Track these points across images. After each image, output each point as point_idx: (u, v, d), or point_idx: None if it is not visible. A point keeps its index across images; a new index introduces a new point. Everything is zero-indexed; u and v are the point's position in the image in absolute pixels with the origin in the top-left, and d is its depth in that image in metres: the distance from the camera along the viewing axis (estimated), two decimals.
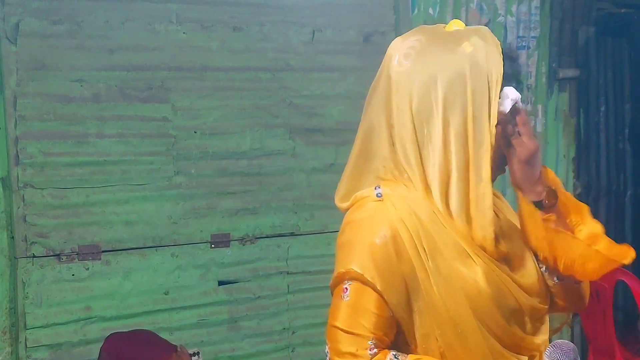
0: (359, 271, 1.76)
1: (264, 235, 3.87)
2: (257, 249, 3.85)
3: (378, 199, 1.82)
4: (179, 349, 3.23)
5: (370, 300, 1.76)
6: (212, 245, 3.76)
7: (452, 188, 1.78)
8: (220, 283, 3.78)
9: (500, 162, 1.84)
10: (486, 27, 1.85)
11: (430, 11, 4.08)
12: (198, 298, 3.73)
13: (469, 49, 1.77)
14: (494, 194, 1.92)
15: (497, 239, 1.83)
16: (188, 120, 3.66)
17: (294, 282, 3.92)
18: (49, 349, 3.41)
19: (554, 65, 4.55)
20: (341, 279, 1.80)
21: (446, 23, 1.89)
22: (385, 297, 1.75)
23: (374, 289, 1.75)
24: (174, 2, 3.60)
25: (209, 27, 3.68)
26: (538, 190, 1.83)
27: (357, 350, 1.75)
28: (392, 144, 1.82)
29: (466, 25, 1.88)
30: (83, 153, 3.45)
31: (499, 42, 1.81)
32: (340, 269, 1.80)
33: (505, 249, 1.85)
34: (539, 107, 4.52)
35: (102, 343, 3.28)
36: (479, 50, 1.77)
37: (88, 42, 3.44)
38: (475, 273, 1.77)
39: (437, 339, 1.78)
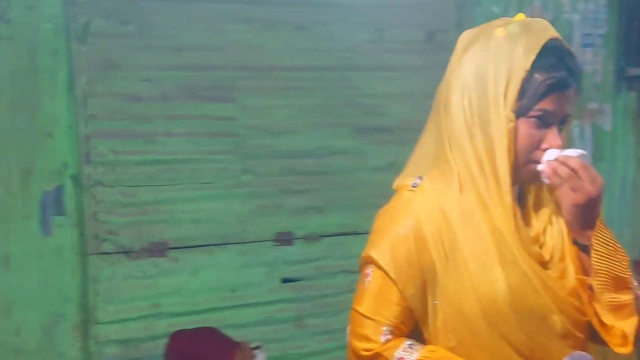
0: (375, 257, 1.80)
1: (329, 234, 3.88)
2: (321, 247, 3.87)
3: (412, 189, 1.84)
4: (241, 345, 3.28)
5: (389, 289, 1.79)
6: (278, 243, 3.78)
7: (478, 177, 1.77)
8: (285, 281, 3.80)
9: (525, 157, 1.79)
10: (544, 20, 1.82)
11: (494, 8, 4.04)
12: (264, 295, 3.75)
13: (501, 33, 1.76)
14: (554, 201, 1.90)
15: (538, 241, 1.81)
16: (255, 119, 3.68)
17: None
18: (118, 344, 3.46)
19: (622, 63, 4.47)
20: (365, 262, 1.85)
21: None
22: (399, 287, 1.78)
23: (388, 276, 1.78)
24: (240, 2, 3.63)
25: (274, 26, 3.70)
26: (587, 234, 1.78)
27: (371, 334, 1.80)
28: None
29: None
30: (152, 152, 3.50)
31: (553, 36, 1.77)
32: (364, 252, 1.85)
33: (547, 256, 1.81)
34: (607, 105, 4.45)
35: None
36: (510, 36, 1.75)
37: (156, 41, 3.49)
38: (496, 275, 1.74)
39: (447, 333, 1.79)
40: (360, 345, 1.81)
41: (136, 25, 3.46)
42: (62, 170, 3.37)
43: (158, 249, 3.51)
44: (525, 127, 1.75)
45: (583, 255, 1.81)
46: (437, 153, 1.84)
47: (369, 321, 1.80)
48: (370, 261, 1.82)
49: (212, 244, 3.62)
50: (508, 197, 1.75)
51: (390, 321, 1.79)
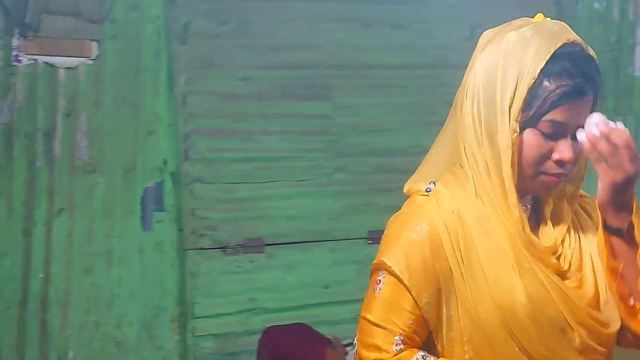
0: (388, 263, 1.70)
1: None
2: None
3: (426, 194, 1.77)
4: (333, 341, 3.31)
5: (402, 296, 1.69)
6: (369, 242, 3.80)
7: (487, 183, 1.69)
8: None
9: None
10: (562, 23, 1.71)
11: (596, 5, 3.94)
12: (355, 293, 3.75)
13: (513, 37, 1.66)
14: (583, 209, 1.82)
15: (556, 252, 1.72)
16: (348, 117, 3.72)
17: None
18: (215, 338, 3.54)
19: None
20: (376, 269, 1.75)
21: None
22: (413, 294, 1.68)
23: (402, 283, 1.68)
24: (336, 1, 3.67)
25: (370, 25, 3.73)
26: (623, 215, 1.68)
27: (382, 344, 1.69)
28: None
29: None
30: (248, 149, 3.58)
31: (569, 40, 1.65)
32: (376, 258, 1.76)
33: (565, 265, 1.73)
34: None
35: None
36: (521, 40, 1.65)
37: (254, 41, 3.56)
38: (514, 283, 1.66)
39: (463, 345, 1.70)
40: (370, 355, 1.70)
41: (234, 25, 3.53)
42: (162, 168, 3.46)
43: (254, 245, 3.58)
44: (533, 137, 1.65)
45: (615, 239, 1.70)
46: (452, 157, 1.76)
47: (380, 330, 1.70)
48: (382, 267, 1.72)
49: (306, 240, 3.67)
50: (515, 211, 1.67)
51: (402, 330, 1.69)
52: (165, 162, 3.46)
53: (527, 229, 1.69)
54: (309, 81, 3.65)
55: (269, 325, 3.45)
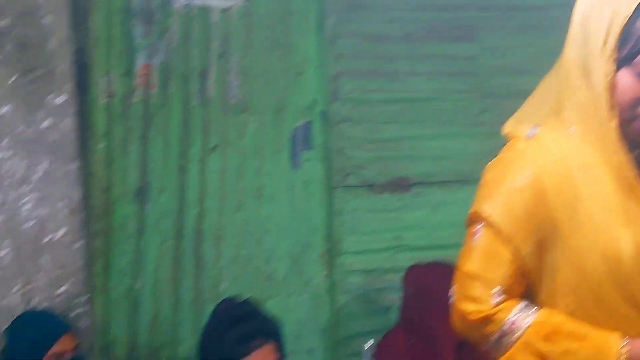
0: (487, 213, 1.66)
1: None
2: None
3: (529, 138, 1.71)
4: None
5: (502, 247, 1.65)
6: None
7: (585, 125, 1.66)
8: None
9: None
10: None
11: None
12: None
13: None
14: None
15: None
16: (495, 59, 3.71)
17: None
18: (362, 273, 3.62)
19: None
20: (472, 220, 1.71)
21: None
22: (514, 245, 1.64)
23: (502, 233, 1.64)
24: None
25: None
26: None
27: (481, 295, 1.65)
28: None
29: None
30: (396, 90, 3.61)
31: None
32: (473, 208, 1.71)
33: None
34: None
35: None
36: None
37: None
38: (621, 233, 1.61)
39: (567, 296, 1.64)
40: (469, 307, 1.67)
41: None
42: (311, 107, 3.53)
43: (400, 184, 3.63)
44: (627, 78, 1.62)
45: None
46: (557, 99, 1.71)
47: (478, 282, 1.66)
48: (479, 217, 1.68)
49: (451, 180, 3.70)
50: (618, 155, 1.63)
51: (501, 281, 1.65)
52: (314, 102, 3.53)
53: (631, 173, 1.64)
54: (456, 22, 3.65)
55: (414, 262, 3.50)
